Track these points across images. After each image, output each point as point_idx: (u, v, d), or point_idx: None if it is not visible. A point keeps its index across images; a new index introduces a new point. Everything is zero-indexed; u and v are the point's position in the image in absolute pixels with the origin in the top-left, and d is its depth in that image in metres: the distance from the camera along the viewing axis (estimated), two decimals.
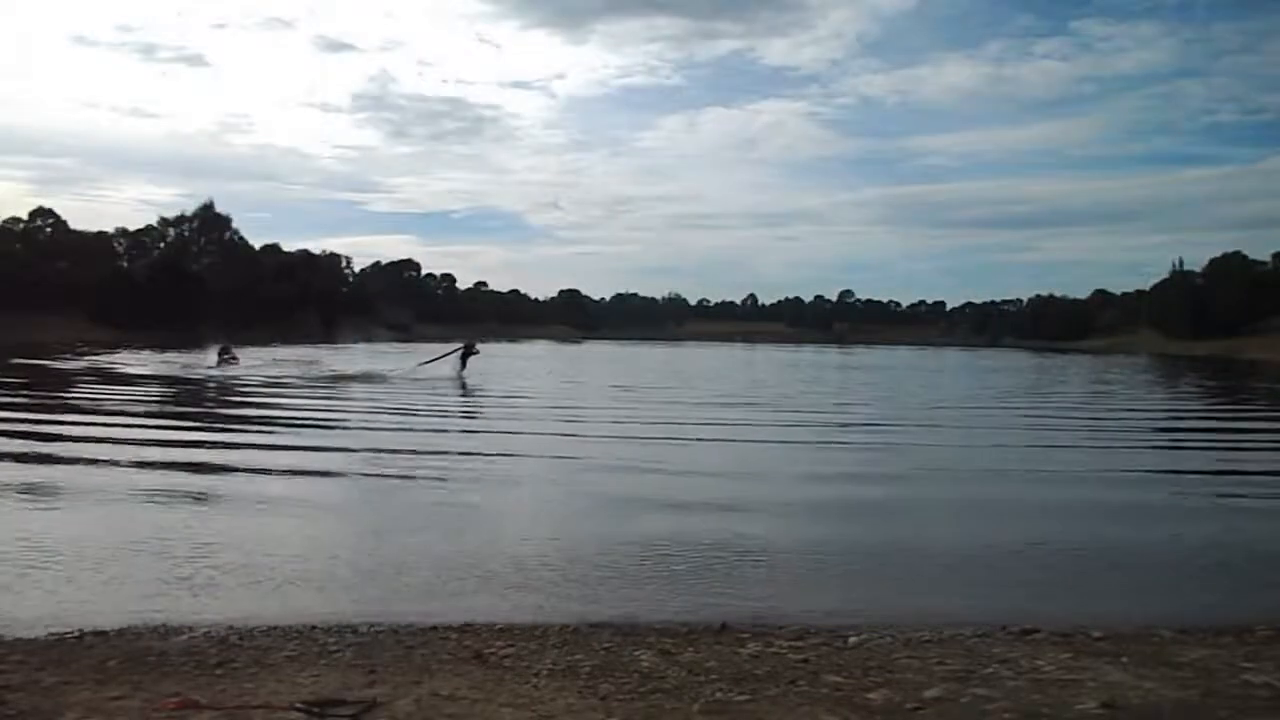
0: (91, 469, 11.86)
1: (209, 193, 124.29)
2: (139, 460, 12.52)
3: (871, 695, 4.55)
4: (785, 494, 11.47)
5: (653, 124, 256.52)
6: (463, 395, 26.46)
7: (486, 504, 10.50)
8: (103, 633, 5.49)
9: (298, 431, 16.49)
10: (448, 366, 31.55)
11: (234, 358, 36.21)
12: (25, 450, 13.27)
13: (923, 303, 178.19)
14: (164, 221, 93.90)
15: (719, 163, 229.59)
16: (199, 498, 10.22)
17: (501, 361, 36.35)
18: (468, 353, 32.41)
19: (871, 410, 24.84)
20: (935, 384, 39.38)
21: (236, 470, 12.26)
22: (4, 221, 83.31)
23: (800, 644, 5.49)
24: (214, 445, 14.79)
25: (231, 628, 5.62)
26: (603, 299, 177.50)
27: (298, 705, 4.17)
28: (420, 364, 32.31)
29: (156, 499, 9.91)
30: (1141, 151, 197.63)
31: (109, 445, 13.83)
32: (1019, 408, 25.97)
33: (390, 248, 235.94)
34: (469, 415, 22.09)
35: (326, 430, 16.90)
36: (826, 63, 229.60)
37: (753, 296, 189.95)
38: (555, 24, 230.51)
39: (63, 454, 13.18)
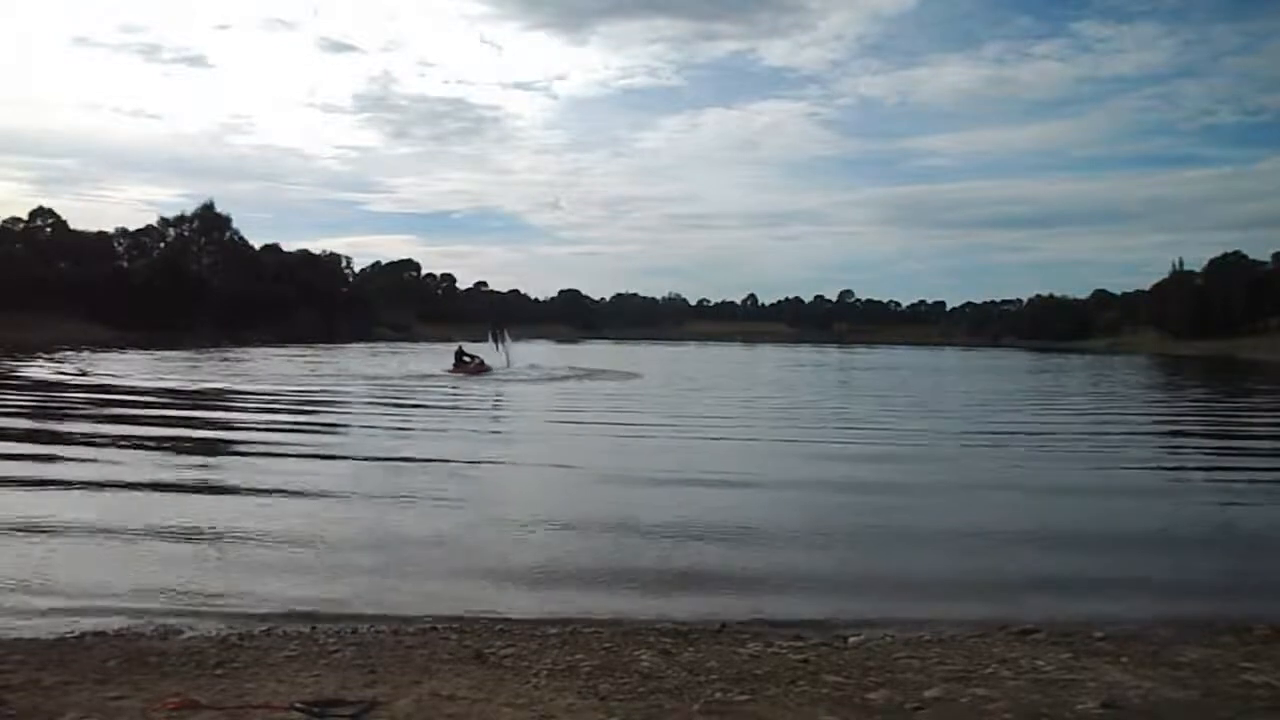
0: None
1: (210, 193, 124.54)
2: None
3: (871, 695, 4.54)
4: None
5: (653, 124, 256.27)
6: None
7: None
8: (103, 633, 5.48)
9: None
10: (505, 352, 36.59)
11: (480, 364, 32.98)
12: None
13: (923, 303, 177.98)
14: (164, 222, 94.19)
15: (719, 163, 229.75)
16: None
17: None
18: (499, 332, 38.64)
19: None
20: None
21: None
22: (4, 221, 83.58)
23: (800, 644, 5.49)
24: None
25: (231, 628, 5.63)
26: (603, 299, 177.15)
27: (298, 705, 4.16)
28: (507, 359, 36.84)
29: None
30: (1141, 152, 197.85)
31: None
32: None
33: (390, 248, 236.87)
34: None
35: None
36: (827, 63, 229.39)
37: (753, 296, 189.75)
38: (556, 25, 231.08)
39: None
